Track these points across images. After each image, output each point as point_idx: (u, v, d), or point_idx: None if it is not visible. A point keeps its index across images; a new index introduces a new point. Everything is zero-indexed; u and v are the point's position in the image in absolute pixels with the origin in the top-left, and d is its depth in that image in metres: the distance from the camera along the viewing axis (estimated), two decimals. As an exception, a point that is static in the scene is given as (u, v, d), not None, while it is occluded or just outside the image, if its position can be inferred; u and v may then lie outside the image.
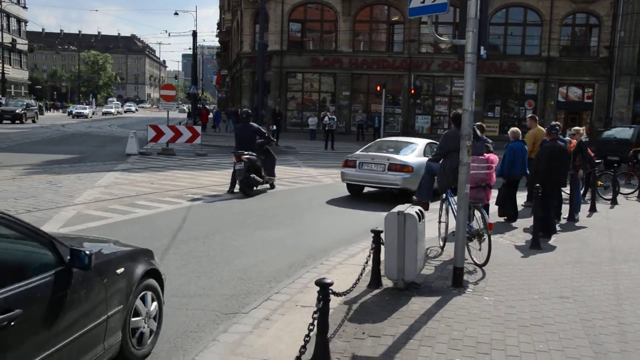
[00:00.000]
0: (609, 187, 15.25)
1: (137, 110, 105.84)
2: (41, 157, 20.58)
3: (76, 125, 46.02)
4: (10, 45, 63.62)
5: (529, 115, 14.64)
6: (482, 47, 6.86)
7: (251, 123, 15.34)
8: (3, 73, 59.38)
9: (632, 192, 16.34)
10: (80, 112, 65.69)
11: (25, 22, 74.01)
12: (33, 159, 19.84)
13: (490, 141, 10.23)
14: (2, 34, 60.70)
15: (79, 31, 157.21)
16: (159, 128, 23.59)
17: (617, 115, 37.55)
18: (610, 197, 14.83)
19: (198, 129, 25.13)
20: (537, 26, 38.61)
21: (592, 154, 13.70)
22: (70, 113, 66.74)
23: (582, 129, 13.73)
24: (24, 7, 72.36)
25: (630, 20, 36.89)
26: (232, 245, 9.12)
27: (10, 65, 65.51)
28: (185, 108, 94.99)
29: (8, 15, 65.50)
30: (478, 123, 10.79)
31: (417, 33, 38.78)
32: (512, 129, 12.23)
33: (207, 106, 71.08)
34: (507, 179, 11.54)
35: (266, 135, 15.58)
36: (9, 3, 64.62)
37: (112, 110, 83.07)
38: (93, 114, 72.74)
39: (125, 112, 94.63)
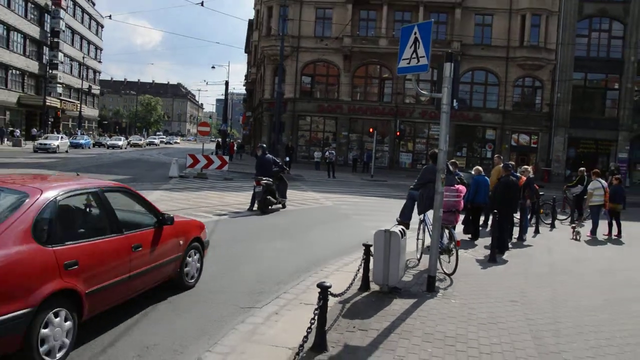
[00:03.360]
0: (549, 214, 15.18)
1: (151, 142, 72.26)
2: (104, 177, 20.58)
3: (132, 153, 46.12)
4: (87, 90, 65.41)
5: (496, 155, 14.73)
6: (454, 100, 6.88)
7: (268, 155, 15.30)
8: (80, 111, 60.71)
9: (565, 219, 16.28)
10: (47, 145, 35.61)
11: (99, 72, 76.02)
12: (98, 178, 19.82)
13: (461, 174, 10.22)
14: (82, 82, 62.63)
15: (138, 80, 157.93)
16: (196, 157, 23.61)
17: (555, 158, 37.63)
18: (550, 222, 14.77)
19: (227, 158, 25.16)
20: (495, 85, 38.78)
21: (537, 187, 13.66)
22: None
23: (530, 168, 13.72)
24: (99, 62, 74.74)
25: (564, 85, 37.19)
26: (250, 252, 9.05)
27: (86, 105, 66.97)
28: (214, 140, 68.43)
29: (87, 68, 67.45)
30: (452, 160, 10.80)
31: (403, 87, 38.92)
32: (476, 167, 12.34)
33: (236, 141, 66.51)
34: (472, 205, 11.49)
35: (280, 164, 15.53)
36: (89, 58, 66.56)
37: (82, 141, 46.74)
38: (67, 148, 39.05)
39: (131, 145, 59.56)
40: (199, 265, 6.76)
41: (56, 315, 4.13)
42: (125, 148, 54.72)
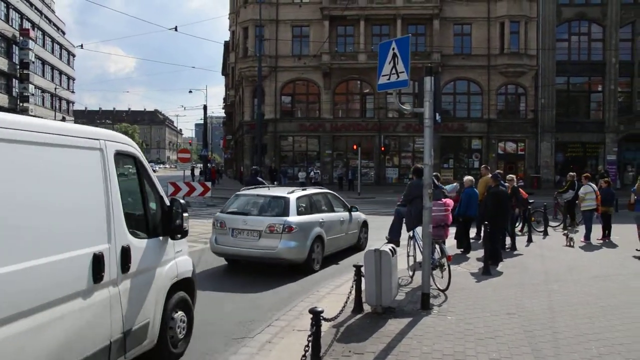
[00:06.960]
0: (541, 221, 15.32)
1: None
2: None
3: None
4: (61, 121, 64.53)
5: (483, 166, 14.76)
6: (437, 114, 6.94)
7: (258, 178, 15.75)
8: (56, 145, 60.33)
9: (557, 225, 16.45)
10: None
11: (73, 103, 75.94)
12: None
13: (445, 187, 10.30)
14: (55, 114, 62.10)
15: (114, 108, 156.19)
16: (177, 184, 23.46)
17: (544, 164, 38.15)
18: (543, 229, 14.91)
19: (209, 184, 25.03)
20: (478, 95, 39.35)
21: (526, 195, 13.80)
22: None
23: (514, 177, 13.73)
24: (72, 92, 74.64)
25: (547, 90, 37.90)
26: (239, 279, 9.01)
27: (61, 137, 66.45)
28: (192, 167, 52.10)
29: (60, 99, 67.21)
30: (435, 173, 10.86)
31: (385, 102, 39.24)
32: (468, 177, 12.25)
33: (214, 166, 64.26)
34: (463, 218, 11.56)
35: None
36: (62, 89, 66.76)
37: None
38: None
39: None
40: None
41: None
42: None
